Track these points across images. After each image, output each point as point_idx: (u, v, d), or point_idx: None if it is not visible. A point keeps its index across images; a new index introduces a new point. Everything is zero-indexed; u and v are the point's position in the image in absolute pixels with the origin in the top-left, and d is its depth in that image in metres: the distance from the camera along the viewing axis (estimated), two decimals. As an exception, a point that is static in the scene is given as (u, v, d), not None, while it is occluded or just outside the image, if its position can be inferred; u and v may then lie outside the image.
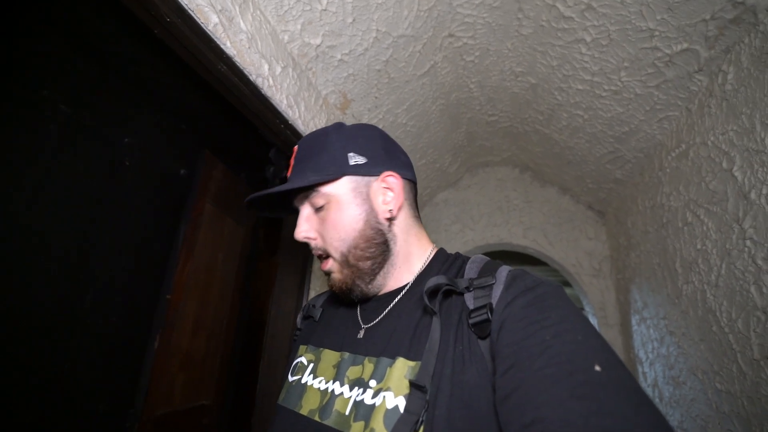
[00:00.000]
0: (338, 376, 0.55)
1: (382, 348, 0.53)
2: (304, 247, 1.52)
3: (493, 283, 0.50)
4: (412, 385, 0.45)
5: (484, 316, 0.47)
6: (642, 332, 1.89)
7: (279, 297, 1.43)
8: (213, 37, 0.93)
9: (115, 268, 1.39)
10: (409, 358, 0.49)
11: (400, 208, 0.61)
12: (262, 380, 1.38)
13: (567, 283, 4.99)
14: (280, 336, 1.58)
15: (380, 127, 1.87)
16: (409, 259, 0.61)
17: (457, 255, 0.61)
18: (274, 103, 1.17)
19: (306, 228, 0.60)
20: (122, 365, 1.39)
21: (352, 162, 0.58)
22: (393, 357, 0.50)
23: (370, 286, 0.59)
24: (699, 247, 1.34)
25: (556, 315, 0.43)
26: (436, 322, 0.49)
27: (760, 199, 1.04)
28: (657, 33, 1.20)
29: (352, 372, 0.54)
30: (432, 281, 0.50)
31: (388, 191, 0.60)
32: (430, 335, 0.48)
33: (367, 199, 0.58)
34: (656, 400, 1.76)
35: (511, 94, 1.93)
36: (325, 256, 0.60)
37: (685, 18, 1.12)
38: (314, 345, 0.63)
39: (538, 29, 1.47)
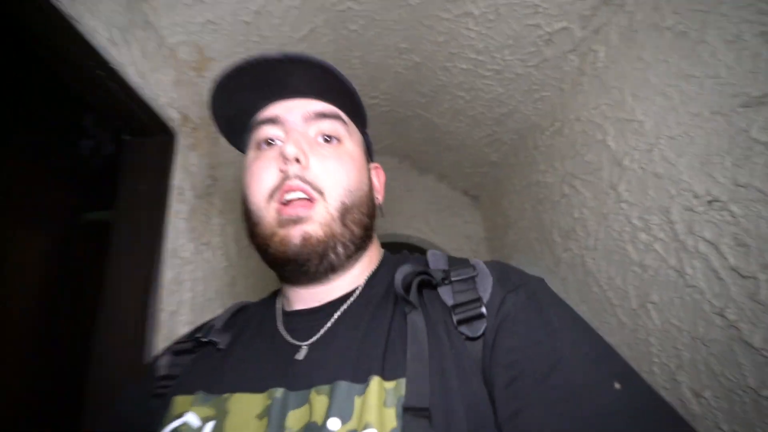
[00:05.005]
0: (272, 429, 0.37)
1: (336, 370, 0.40)
2: (157, 245, 1.05)
3: (475, 276, 0.44)
4: (407, 411, 0.34)
5: (475, 312, 0.41)
6: (522, 303, 2.05)
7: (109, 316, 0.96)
8: None
9: None
10: (386, 377, 0.38)
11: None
12: None
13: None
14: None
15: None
16: (371, 260, 0.52)
17: (407, 252, 0.55)
18: (80, 30, 0.73)
19: (303, 147, 0.46)
20: None
21: (366, 129, 0.56)
22: (362, 380, 0.38)
23: (343, 263, 0.48)
24: (576, 215, 1.46)
25: (557, 318, 0.40)
26: (419, 320, 0.40)
27: (632, 164, 1.16)
28: (541, 9, 1.23)
29: (295, 417, 0.38)
30: (403, 270, 0.43)
31: (377, 178, 0.56)
32: (414, 339, 0.39)
33: (368, 171, 0.53)
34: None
35: (394, 74, 1.83)
36: (310, 198, 0.45)
37: (565, -5, 1.17)
38: (209, 391, 0.43)
39: (427, -2, 1.38)
